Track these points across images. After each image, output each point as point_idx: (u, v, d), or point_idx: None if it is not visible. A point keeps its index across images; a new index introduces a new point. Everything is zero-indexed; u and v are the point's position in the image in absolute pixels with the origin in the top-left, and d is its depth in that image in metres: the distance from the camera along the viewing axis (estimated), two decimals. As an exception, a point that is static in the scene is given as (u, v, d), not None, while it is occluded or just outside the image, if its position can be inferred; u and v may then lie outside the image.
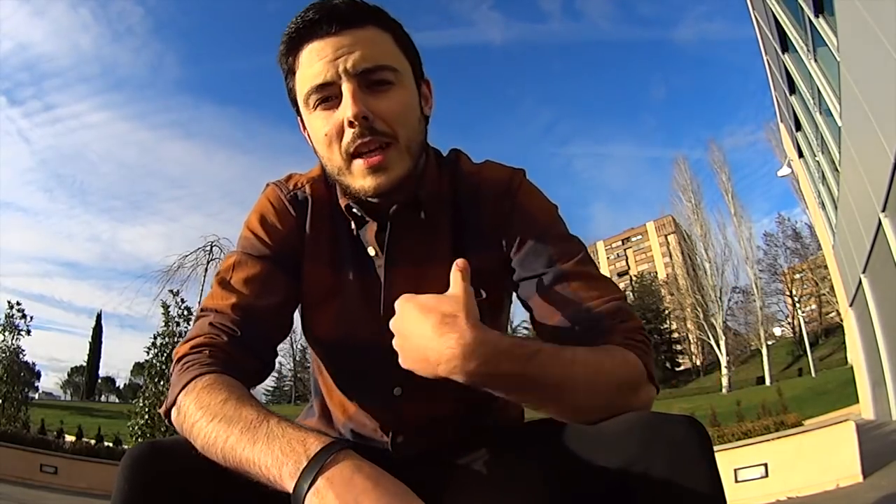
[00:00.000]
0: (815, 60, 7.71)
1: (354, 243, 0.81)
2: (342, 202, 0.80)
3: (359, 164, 0.72)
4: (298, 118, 0.80)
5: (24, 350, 14.29)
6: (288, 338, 0.83)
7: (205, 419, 0.60)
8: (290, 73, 0.76)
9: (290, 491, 0.52)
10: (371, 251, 0.80)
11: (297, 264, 0.80)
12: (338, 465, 0.51)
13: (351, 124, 0.70)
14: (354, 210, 0.79)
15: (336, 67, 0.71)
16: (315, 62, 0.72)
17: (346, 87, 0.71)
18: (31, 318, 14.46)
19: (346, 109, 0.70)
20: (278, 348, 0.83)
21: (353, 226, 0.80)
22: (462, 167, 0.85)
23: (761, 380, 32.14)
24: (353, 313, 0.80)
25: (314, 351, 0.87)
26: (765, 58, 11.74)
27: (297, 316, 0.85)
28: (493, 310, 0.81)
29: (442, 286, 0.77)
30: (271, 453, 0.54)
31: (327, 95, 0.72)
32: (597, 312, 0.71)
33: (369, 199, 0.75)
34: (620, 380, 0.65)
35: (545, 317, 0.74)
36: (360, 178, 0.73)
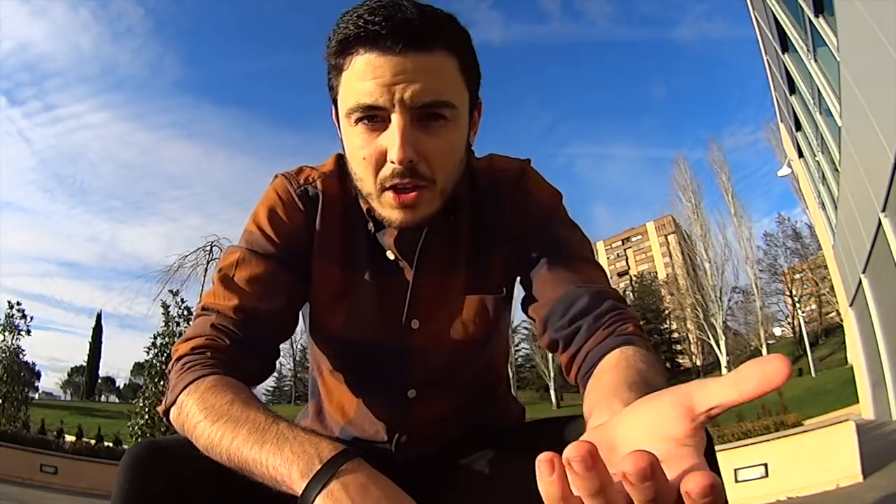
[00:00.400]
0: (815, 60, 7.72)
1: (370, 244, 0.78)
2: (363, 205, 0.77)
3: (389, 196, 0.68)
4: (333, 109, 0.75)
5: (24, 350, 14.34)
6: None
7: (209, 420, 0.59)
8: (336, 69, 0.69)
9: (299, 491, 0.51)
10: (390, 255, 0.78)
11: (305, 263, 0.78)
12: (354, 473, 0.51)
13: (394, 162, 0.66)
14: (375, 215, 0.76)
15: (391, 94, 0.64)
16: (368, 79, 0.64)
17: (397, 120, 0.64)
18: (31, 318, 14.52)
19: (393, 150, 0.65)
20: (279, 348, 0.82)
21: (370, 227, 0.78)
22: (472, 164, 0.83)
23: (761, 380, 32.07)
24: (368, 314, 0.78)
25: (321, 350, 0.85)
26: (765, 58, 11.74)
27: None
28: (507, 305, 0.82)
29: (461, 287, 0.79)
30: (281, 454, 0.53)
31: (374, 116, 0.66)
32: (604, 291, 0.71)
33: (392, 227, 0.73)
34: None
35: (549, 290, 0.73)
36: (388, 210, 0.70)
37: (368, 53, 0.64)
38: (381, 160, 0.67)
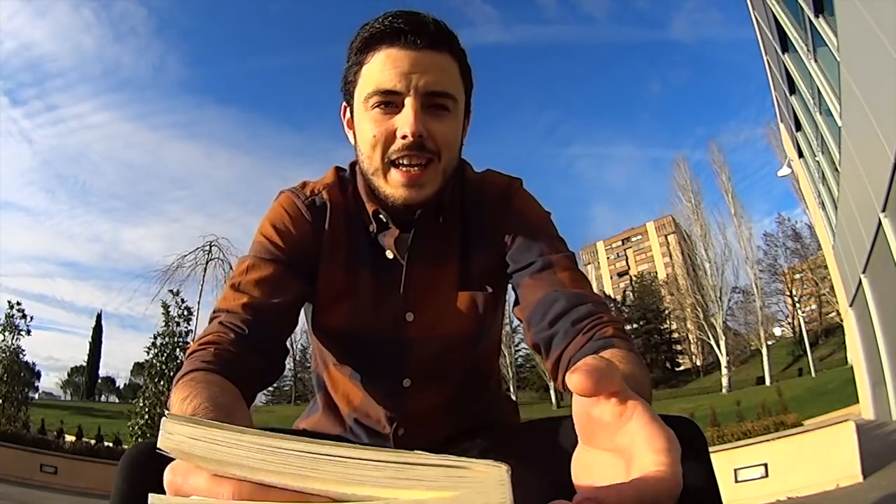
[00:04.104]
0: (815, 60, 7.72)
1: (371, 245, 0.85)
2: (370, 208, 0.83)
3: (396, 174, 0.76)
4: (344, 105, 0.84)
5: (24, 350, 14.35)
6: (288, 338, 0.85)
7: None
8: (357, 64, 0.79)
9: None
10: (389, 255, 0.84)
11: (312, 267, 0.83)
12: None
13: (405, 137, 0.74)
14: (381, 216, 0.83)
15: (408, 81, 0.74)
16: (389, 68, 0.75)
17: (411, 103, 0.75)
18: (32, 318, 14.53)
19: (406, 125, 0.74)
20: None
21: (371, 229, 0.84)
22: (467, 175, 0.91)
23: (761, 380, 32.15)
24: (368, 309, 0.83)
25: (323, 345, 0.89)
26: (765, 58, 11.75)
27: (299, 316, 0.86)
28: (495, 303, 0.86)
29: (452, 283, 0.84)
30: None
31: (389, 101, 0.76)
32: (582, 294, 0.74)
33: (396, 206, 0.79)
34: (650, 388, 0.62)
35: (531, 294, 0.77)
36: (394, 188, 0.77)
37: (391, 48, 0.76)
38: (391, 138, 0.76)
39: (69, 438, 11.12)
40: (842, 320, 15.85)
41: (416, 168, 0.76)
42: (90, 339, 56.28)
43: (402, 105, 0.75)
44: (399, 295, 0.83)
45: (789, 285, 38.97)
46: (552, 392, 39.34)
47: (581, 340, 0.68)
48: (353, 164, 0.89)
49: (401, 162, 0.76)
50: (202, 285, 13.31)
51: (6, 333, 13.93)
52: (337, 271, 0.84)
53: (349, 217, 0.86)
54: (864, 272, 8.85)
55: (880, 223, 6.78)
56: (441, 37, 0.77)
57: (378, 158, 0.77)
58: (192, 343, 0.74)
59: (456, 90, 0.79)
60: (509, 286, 0.86)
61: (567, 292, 0.74)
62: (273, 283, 0.78)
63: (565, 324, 0.71)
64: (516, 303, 0.82)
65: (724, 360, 34.07)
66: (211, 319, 0.77)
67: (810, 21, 7.07)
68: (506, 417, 0.97)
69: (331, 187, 0.87)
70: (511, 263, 0.83)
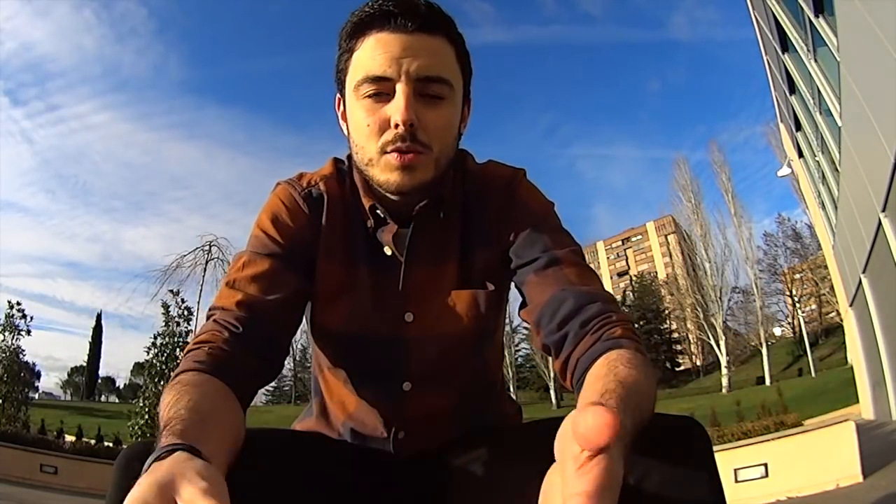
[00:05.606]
0: (815, 60, 7.72)
1: (369, 241, 0.82)
2: (366, 202, 0.80)
3: (389, 158, 0.73)
4: (338, 96, 0.82)
5: (24, 350, 14.34)
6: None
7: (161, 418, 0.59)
8: (348, 52, 0.76)
9: None
10: (388, 251, 0.81)
11: (310, 261, 0.80)
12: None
13: (397, 126, 0.72)
14: (378, 211, 0.80)
15: (399, 66, 0.71)
16: (379, 53, 0.72)
17: (402, 89, 0.72)
18: (32, 318, 14.51)
19: (397, 112, 0.71)
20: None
21: (369, 223, 0.81)
22: (468, 167, 0.87)
23: (761, 380, 32.14)
24: (366, 308, 0.80)
25: (320, 347, 0.86)
26: (765, 58, 11.75)
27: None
28: (498, 302, 0.84)
29: (452, 281, 0.81)
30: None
31: (380, 90, 0.73)
32: (591, 293, 0.72)
33: (390, 195, 0.76)
34: (655, 390, 0.62)
35: (538, 293, 0.75)
36: (388, 173, 0.74)
37: (380, 32, 0.73)
38: (384, 126, 0.73)
39: (69, 438, 11.11)
40: (842, 320, 15.82)
41: (408, 153, 0.73)
42: (90, 339, 56.21)
43: (394, 92, 0.72)
44: (398, 294, 0.80)
45: (789, 285, 38.97)
46: (552, 392, 39.34)
47: (589, 341, 0.67)
48: (351, 156, 0.86)
49: (392, 150, 0.73)
50: (202, 285, 13.31)
51: (6, 333, 13.92)
52: (334, 267, 0.81)
53: (347, 210, 0.83)
54: (864, 272, 8.85)
55: (880, 223, 6.78)
56: (434, 19, 0.74)
57: (371, 148, 0.74)
58: (190, 342, 0.72)
59: (451, 75, 0.75)
60: (512, 283, 0.83)
61: (575, 291, 0.72)
62: (269, 279, 0.75)
63: (574, 325, 0.69)
64: (523, 304, 0.79)
65: (724, 360, 34.05)
66: (207, 318, 0.75)
67: (810, 21, 7.07)
68: (509, 420, 0.94)
69: (328, 179, 0.84)
70: (514, 258, 0.80)
